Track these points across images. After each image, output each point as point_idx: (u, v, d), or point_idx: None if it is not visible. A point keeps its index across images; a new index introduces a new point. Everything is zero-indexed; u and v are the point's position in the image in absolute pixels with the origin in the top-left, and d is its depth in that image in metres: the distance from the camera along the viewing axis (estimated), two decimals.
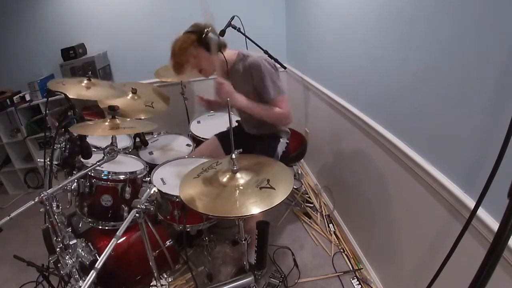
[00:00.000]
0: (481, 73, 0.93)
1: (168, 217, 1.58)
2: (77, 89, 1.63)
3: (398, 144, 1.36)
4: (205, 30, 1.49)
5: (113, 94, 1.78)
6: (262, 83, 1.52)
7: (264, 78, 1.51)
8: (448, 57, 1.05)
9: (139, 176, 1.56)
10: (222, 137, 1.93)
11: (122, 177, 1.50)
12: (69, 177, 1.35)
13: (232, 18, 2.14)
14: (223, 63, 1.61)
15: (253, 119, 1.71)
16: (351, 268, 1.84)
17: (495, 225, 0.92)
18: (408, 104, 1.30)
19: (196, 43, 1.51)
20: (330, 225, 2.16)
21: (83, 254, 1.31)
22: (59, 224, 1.07)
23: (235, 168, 1.20)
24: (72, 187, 1.43)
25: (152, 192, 1.05)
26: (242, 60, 1.60)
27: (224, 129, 2.18)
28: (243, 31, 2.18)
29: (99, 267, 0.78)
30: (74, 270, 1.12)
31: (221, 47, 1.58)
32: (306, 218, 2.25)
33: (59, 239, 1.08)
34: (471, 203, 1.00)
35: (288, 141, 1.86)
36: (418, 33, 1.18)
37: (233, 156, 1.19)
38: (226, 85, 1.49)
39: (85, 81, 1.67)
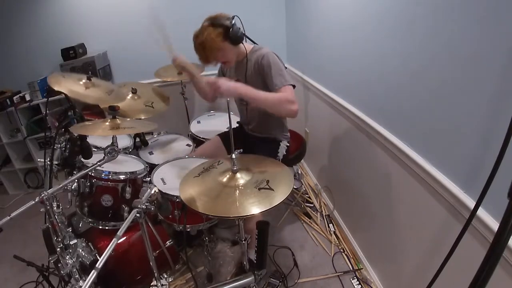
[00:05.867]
0: (481, 73, 0.93)
1: (168, 217, 1.58)
2: (76, 88, 1.58)
3: (398, 144, 1.36)
4: (231, 24, 1.49)
5: (112, 98, 1.67)
6: (269, 75, 1.52)
7: (272, 70, 1.52)
8: (448, 57, 1.05)
9: (139, 176, 1.56)
10: (224, 137, 1.94)
11: (122, 177, 1.50)
12: (70, 177, 1.35)
13: (232, 18, 2.14)
14: (241, 54, 1.64)
15: (255, 120, 1.72)
16: (351, 268, 1.84)
17: (495, 225, 0.92)
18: (408, 104, 1.30)
19: (223, 37, 1.51)
20: (330, 225, 2.17)
21: (83, 254, 1.32)
22: (59, 224, 1.07)
23: (235, 168, 1.20)
24: (73, 187, 1.43)
25: (152, 192, 1.05)
26: (255, 53, 1.64)
27: (226, 129, 2.19)
28: (243, 31, 2.18)
29: (100, 267, 0.78)
30: (74, 270, 1.12)
31: (243, 38, 1.59)
32: (306, 218, 2.25)
33: (59, 239, 1.08)
34: (471, 203, 1.00)
35: (288, 144, 1.87)
36: (418, 33, 1.18)
37: (233, 156, 1.19)
38: (220, 82, 1.40)
39: (84, 80, 1.62)
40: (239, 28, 1.54)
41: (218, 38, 1.50)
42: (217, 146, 1.91)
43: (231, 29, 1.49)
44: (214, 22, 1.51)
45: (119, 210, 1.51)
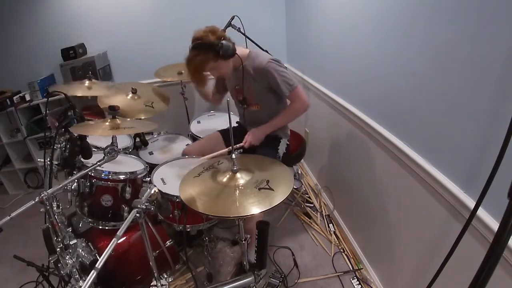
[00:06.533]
0: (481, 73, 0.93)
1: (168, 217, 1.58)
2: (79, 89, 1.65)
3: (398, 144, 1.36)
4: (220, 44, 1.46)
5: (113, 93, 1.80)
6: (276, 84, 1.61)
7: (277, 79, 1.59)
8: (448, 56, 1.05)
9: (139, 176, 1.56)
10: (224, 133, 1.93)
11: (122, 177, 1.50)
12: (69, 177, 1.35)
13: (232, 18, 2.14)
14: (237, 61, 1.63)
15: (255, 125, 1.73)
16: (351, 268, 1.84)
17: (495, 225, 0.92)
18: (408, 104, 1.30)
19: (215, 58, 1.50)
20: (330, 225, 2.17)
21: (83, 254, 1.32)
22: (59, 224, 1.07)
23: (235, 168, 1.20)
24: (72, 187, 1.43)
25: (152, 192, 1.05)
26: (253, 60, 1.63)
27: (226, 127, 2.18)
28: (243, 31, 2.19)
29: (99, 267, 0.78)
30: (74, 270, 1.12)
31: (235, 50, 1.55)
32: (306, 218, 2.25)
33: (59, 239, 1.08)
34: (471, 203, 1.00)
35: (288, 142, 1.87)
36: (418, 33, 1.18)
37: (233, 156, 1.19)
38: (251, 138, 1.68)
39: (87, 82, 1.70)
40: (230, 42, 1.51)
41: (210, 61, 1.51)
42: (217, 141, 1.90)
43: (221, 49, 1.47)
44: (202, 46, 1.47)
45: (119, 210, 1.51)
